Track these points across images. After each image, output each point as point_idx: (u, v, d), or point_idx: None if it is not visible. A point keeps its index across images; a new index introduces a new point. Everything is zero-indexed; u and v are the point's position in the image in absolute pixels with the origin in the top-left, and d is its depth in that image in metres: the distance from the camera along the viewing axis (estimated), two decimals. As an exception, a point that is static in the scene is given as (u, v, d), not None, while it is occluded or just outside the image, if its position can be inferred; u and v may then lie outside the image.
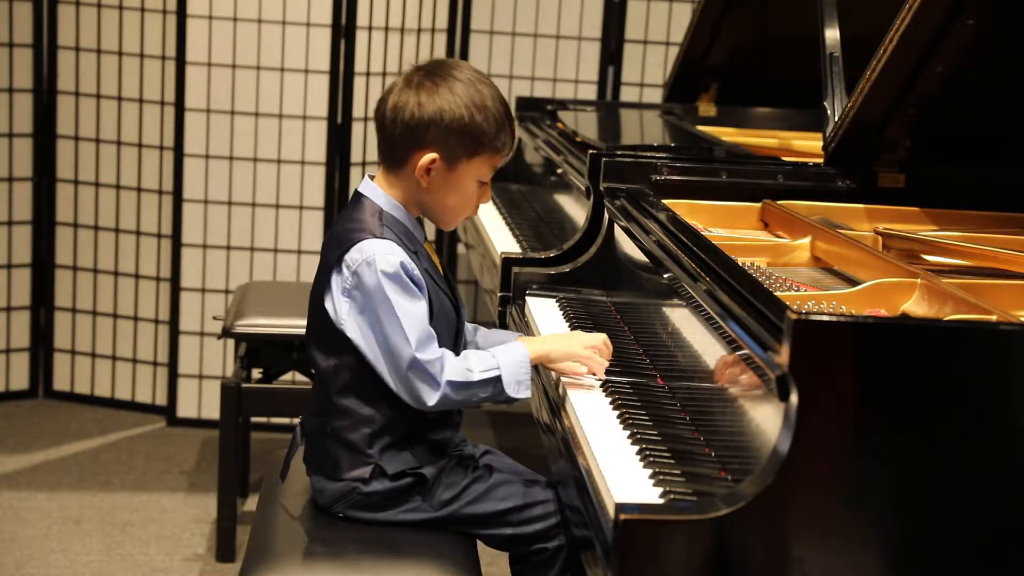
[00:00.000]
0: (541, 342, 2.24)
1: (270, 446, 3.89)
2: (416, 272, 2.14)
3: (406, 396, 2.12)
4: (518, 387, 2.14)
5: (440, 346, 2.17)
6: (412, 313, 2.11)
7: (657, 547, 1.62)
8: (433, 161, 2.17)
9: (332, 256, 2.15)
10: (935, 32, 2.43)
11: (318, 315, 2.18)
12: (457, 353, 2.25)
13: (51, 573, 3.22)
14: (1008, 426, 1.66)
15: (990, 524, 1.67)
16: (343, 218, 2.21)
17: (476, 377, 2.12)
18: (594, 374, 2.21)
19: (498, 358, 2.14)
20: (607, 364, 2.22)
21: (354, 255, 2.12)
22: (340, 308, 2.13)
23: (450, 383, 2.11)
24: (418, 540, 2.15)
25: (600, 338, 2.25)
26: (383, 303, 2.09)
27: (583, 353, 2.19)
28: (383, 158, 2.23)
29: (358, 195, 2.23)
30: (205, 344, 4.23)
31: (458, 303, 2.27)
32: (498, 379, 2.13)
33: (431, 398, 2.11)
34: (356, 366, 2.15)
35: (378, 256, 2.11)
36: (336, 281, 2.14)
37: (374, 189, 2.22)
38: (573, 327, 2.55)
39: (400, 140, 2.17)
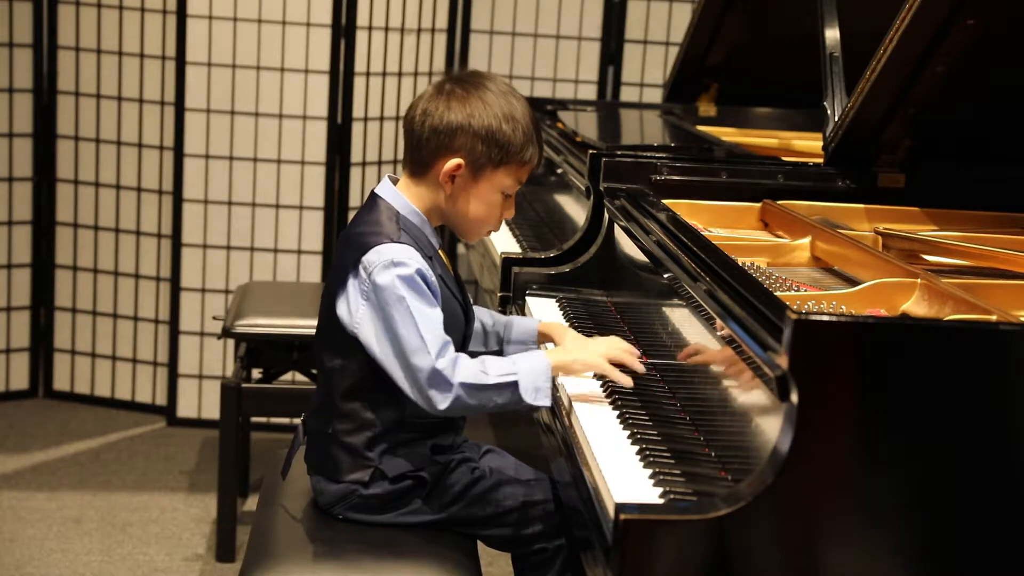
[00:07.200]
0: (564, 352, 2.18)
1: (270, 446, 3.89)
2: (432, 279, 2.12)
3: (421, 401, 2.08)
4: (536, 394, 2.08)
5: None
6: (430, 318, 2.08)
7: (657, 547, 1.62)
8: (458, 167, 2.15)
9: (349, 259, 2.13)
10: (935, 32, 2.43)
11: (329, 317, 2.17)
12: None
13: (51, 573, 3.22)
14: (1008, 426, 1.66)
15: (990, 524, 1.67)
16: (358, 220, 2.19)
17: (491, 380, 2.07)
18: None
19: (517, 364, 2.09)
20: (633, 377, 2.14)
21: (372, 257, 2.09)
22: (356, 311, 2.11)
23: (464, 384, 2.06)
24: (418, 541, 2.15)
25: (624, 348, 2.18)
26: (401, 308, 2.06)
27: (605, 367, 2.13)
28: (408, 164, 2.21)
29: (374, 197, 2.21)
30: (205, 344, 4.23)
31: (468, 309, 2.26)
32: (515, 384, 2.07)
33: (443, 402, 2.06)
34: (362, 370, 2.13)
35: (396, 260, 2.09)
36: (353, 284, 2.11)
37: (393, 192, 2.20)
38: (572, 327, 2.55)
39: (427, 144, 2.16)
